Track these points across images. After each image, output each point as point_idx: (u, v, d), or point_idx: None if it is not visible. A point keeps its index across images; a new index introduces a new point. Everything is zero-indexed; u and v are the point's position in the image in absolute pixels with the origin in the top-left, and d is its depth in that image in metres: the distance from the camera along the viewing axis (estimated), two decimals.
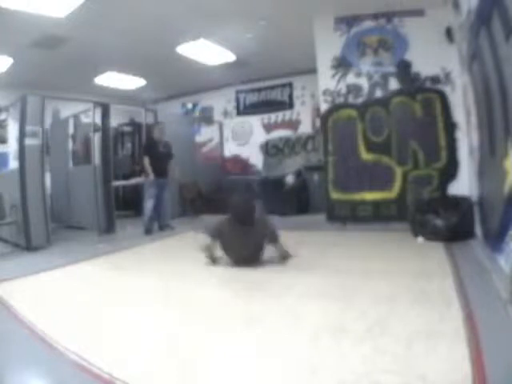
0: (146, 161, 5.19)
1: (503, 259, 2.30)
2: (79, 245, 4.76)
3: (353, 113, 4.83)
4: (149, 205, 5.25)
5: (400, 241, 3.88)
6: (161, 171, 5.24)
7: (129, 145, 8.12)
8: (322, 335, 1.81)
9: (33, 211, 4.42)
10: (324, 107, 5.01)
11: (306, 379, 1.45)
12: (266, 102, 8.10)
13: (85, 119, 6.76)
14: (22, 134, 4.43)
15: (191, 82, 7.94)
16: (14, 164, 5.84)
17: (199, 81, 7.78)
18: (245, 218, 3.14)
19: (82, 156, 6.61)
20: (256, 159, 8.10)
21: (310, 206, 6.50)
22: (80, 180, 5.74)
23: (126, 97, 8.28)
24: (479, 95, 3.01)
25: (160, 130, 5.45)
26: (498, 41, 2.15)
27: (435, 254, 3.24)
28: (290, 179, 6.53)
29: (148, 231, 5.25)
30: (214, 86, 8.26)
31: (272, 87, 8.01)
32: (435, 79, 4.49)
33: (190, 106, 9.06)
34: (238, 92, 8.41)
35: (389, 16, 4.67)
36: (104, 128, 5.57)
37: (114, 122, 6.95)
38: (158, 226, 5.45)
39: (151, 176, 5.14)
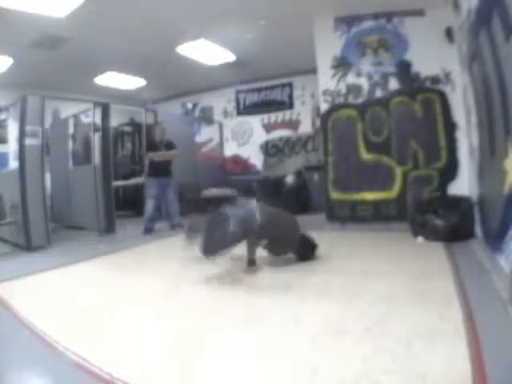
0: (147, 161, 5.31)
1: (503, 259, 2.29)
2: (79, 245, 4.76)
3: (353, 113, 4.82)
4: (149, 204, 5.23)
5: (400, 241, 3.87)
6: (162, 171, 5.25)
7: (129, 145, 8.13)
8: (322, 335, 1.81)
9: (33, 211, 4.42)
10: (324, 107, 5.00)
11: (306, 379, 1.45)
12: (266, 102, 8.11)
13: (85, 119, 6.77)
14: (22, 134, 4.43)
15: (191, 82, 7.95)
16: (14, 164, 5.85)
17: (199, 81, 7.79)
18: None
19: (82, 156, 6.61)
20: (256, 159, 8.09)
21: (309, 206, 6.49)
22: (80, 180, 5.73)
23: (125, 97, 8.28)
24: (479, 95, 3.00)
25: (161, 129, 5.45)
26: (497, 41, 2.14)
27: (435, 254, 3.24)
28: (290, 179, 6.53)
29: (147, 231, 5.23)
30: (213, 85, 8.27)
31: (272, 87, 8.01)
32: (435, 79, 4.49)
33: (189, 106, 9.06)
34: (237, 92, 8.41)
35: (389, 16, 4.66)
36: (104, 128, 5.57)
37: (114, 122, 6.95)
38: (168, 226, 5.40)
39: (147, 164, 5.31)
